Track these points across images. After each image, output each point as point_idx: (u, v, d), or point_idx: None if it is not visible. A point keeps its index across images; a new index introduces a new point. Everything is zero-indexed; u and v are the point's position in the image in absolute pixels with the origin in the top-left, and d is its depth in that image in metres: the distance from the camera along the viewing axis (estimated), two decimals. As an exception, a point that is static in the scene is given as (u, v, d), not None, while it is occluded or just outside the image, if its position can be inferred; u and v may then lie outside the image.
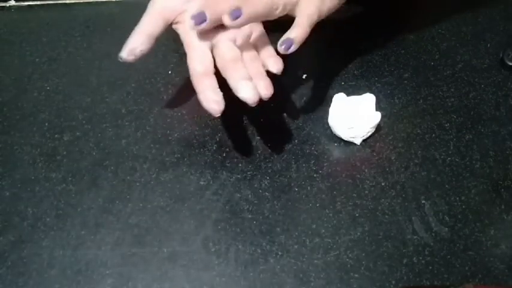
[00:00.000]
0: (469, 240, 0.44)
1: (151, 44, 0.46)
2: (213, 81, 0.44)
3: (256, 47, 0.47)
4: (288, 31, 0.44)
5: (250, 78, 0.43)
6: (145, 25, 0.46)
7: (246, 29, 0.46)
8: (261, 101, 0.43)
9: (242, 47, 0.46)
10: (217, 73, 0.45)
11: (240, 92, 0.42)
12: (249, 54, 0.46)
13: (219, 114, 0.43)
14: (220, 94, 0.43)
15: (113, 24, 0.62)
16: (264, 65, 0.46)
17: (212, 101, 0.43)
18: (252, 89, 0.42)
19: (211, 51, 0.46)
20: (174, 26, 0.47)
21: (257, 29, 0.48)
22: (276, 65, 0.46)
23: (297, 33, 0.44)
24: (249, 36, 0.47)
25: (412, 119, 0.52)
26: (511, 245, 0.44)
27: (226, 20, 0.42)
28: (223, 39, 0.45)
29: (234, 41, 0.46)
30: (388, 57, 0.58)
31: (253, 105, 0.42)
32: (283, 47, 0.43)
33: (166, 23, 0.46)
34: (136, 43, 0.45)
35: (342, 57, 0.58)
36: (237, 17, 0.42)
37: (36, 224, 0.46)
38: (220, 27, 0.45)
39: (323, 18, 0.47)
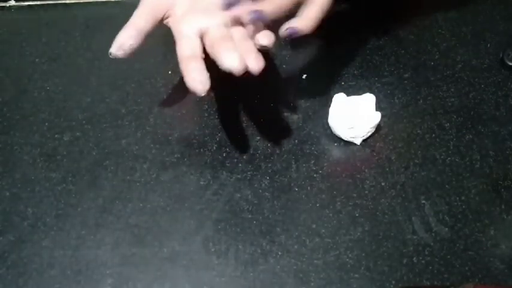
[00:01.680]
0: (469, 240, 0.44)
1: (141, 40, 0.45)
2: (199, 64, 0.43)
3: (247, 29, 0.45)
4: (297, 19, 0.44)
5: (238, 51, 0.42)
6: (136, 20, 0.45)
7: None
8: (247, 73, 0.41)
9: (232, 30, 0.45)
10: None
11: (224, 62, 0.41)
12: (240, 34, 0.45)
13: (204, 94, 0.42)
14: (206, 75, 0.42)
15: (113, 24, 0.61)
16: (255, 43, 0.44)
17: (197, 81, 0.42)
18: (237, 57, 0.41)
19: (201, 39, 0.45)
20: (165, 22, 0.47)
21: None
22: (267, 38, 0.44)
23: (303, 25, 0.44)
24: (239, 21, 0.45)
25: (412, 119, 0.52)
26: (511, 245, 0.44)
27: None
28: (212, 25, 0.45)
29: (225, 26, 0.45)
30: (388, 57, 0.58)
31: (239, 75, 0.41)
32: (286, 32, 0.43)
33: (157, 18, 0.46)
34: (126, 38, 0.44)
35: (342, 57, 0.58)
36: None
37: (36, 224, 0.46)
38: (209, 13, 0.45)
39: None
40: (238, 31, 0.45)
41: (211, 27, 0.45)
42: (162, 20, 0.47)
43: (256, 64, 0.42)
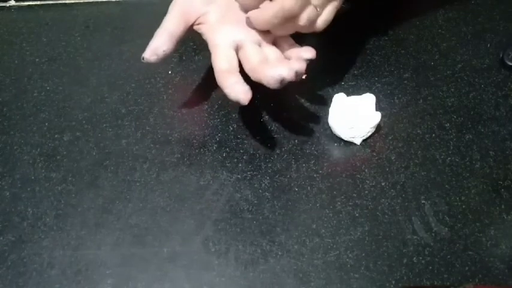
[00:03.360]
0: (469, 240, 0.44)
1: (173, 45, 0.45)
2: (238, 77, 0.44)
3: (281, 49, 0.47)
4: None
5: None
6: (167, 25, 0.45)
7: (270, 33, 0.46)
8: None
9: (267, 50, 0.46)
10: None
11: (272, 80, 0.43)
12: (275, 55, 0.46)
13: (247, 102, 0.43)
14: (247, 85, 0.43)
15: (113, 24, 0.62)
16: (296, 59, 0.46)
17: (241, 92, 0.43)
18: (289, 70, 0.43)
19: (236, 51, 0.46)
20: (196, 27, 0.47)
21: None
22: (310, 52, 0.46)
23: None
24: (273, 40, 0.47)
25: (412, 119, 0.52)
26: (511, 245, 0.44)
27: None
28: (248, 41, 0.46)
29: (259, 44, 0.46)
30: (388, 57, 0.58)
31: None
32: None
33: (189, 23, 0.46)
34: (159, 43, 0.45)
35: (342, 57, 0.58)
36: None
37: (36, 224, 0.46)
38: (244, 25, 0.46)
39: None
40: (273, 52, 0.46)
41: (246, 43, 0.45)
42: (192, 25, 0.47)
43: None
